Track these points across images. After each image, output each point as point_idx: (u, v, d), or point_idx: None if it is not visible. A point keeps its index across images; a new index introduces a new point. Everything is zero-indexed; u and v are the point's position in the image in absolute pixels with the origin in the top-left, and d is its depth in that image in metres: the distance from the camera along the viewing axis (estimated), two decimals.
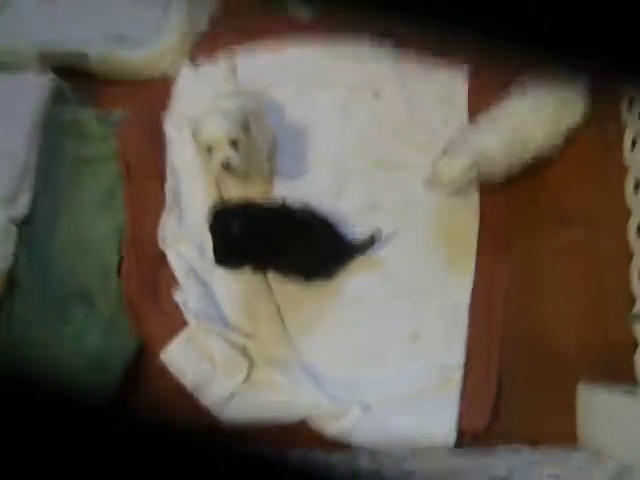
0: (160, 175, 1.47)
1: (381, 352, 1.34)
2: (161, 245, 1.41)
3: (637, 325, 1.37)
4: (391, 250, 1.38)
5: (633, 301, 1.40)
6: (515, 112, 1.28)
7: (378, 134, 1.48)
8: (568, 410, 1.36)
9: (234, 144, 1.27)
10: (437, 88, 1.51)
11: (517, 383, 1.37)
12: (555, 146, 1.38)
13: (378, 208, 1.41)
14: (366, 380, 1.31)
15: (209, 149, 1.27)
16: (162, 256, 1.41)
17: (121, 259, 1.42)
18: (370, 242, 1.35)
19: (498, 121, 1.28)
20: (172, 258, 1.41)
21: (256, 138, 1.32)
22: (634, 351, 1.38)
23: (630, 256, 1.42)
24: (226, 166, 1.27)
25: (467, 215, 1.42)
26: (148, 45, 1.56)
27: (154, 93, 1.57)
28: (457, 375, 1.33)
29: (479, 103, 1.45)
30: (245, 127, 1.29)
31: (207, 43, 1.60)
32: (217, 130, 1.26)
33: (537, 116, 1.28)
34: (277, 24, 1.59)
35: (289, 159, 1.46)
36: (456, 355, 1.34)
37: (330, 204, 1.41)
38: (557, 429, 1.34)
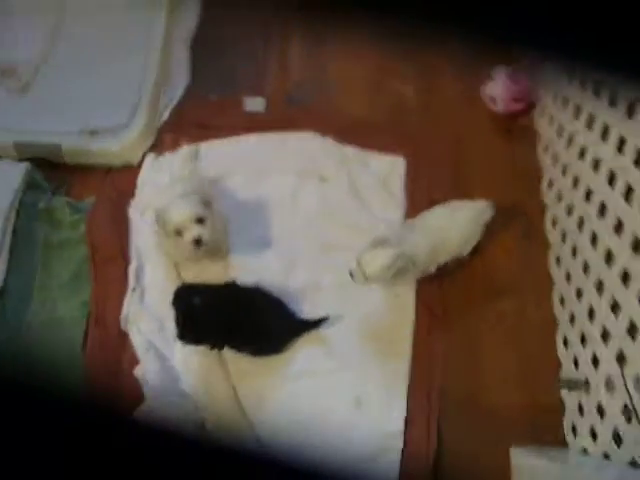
0: (124, 258, 1.60)
1: (326, 420, 1.44)
2: (123, 325, 1.52)
3: (563, 390, 1.49)
4: (334, 327, 1.50)
5: (559, 366, 1.52)
6: (438, 220, 1.44)
7: (324, 217, 1.63)
8: (504, 473, 1.46)
9: (201, 221, 1.41)
10: (377, 174, 1.67)
11: (455, 447, 1.47)
12: (470, 246, 1.54)
13: (320, 287, 1.54)
14: (311, 447, 1.40)
15: (178, 232, 1.41)
16: (125, 335, 1.52)
17: (86, 336, 1.54)
18: (319, 322, 1.48)
19: (424, 225, 1.44)
20: (133, 334, 1.52)
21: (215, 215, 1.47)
22: (562, 414, 1.49)
23: (555, 324, 1.56)
24: (198, 242, 1.41)
25: (404, 291, 1.55)
26: (117, 138, 1.71)
27: (120, 182, 1.71)
28: (398, 442, 1.43)
29: (414, 190, 1.63)
30: (207, 204, 1.43)
31: (169, 136, 1.76)
32: (184, 212, 1.40)
33: (455, 224, 1.45)
34: (234, 118, 1.76)
35: (242, 242, 1.60)
36: (397, 422, 1.45)
37: (280, 283, 1.54)
38: None
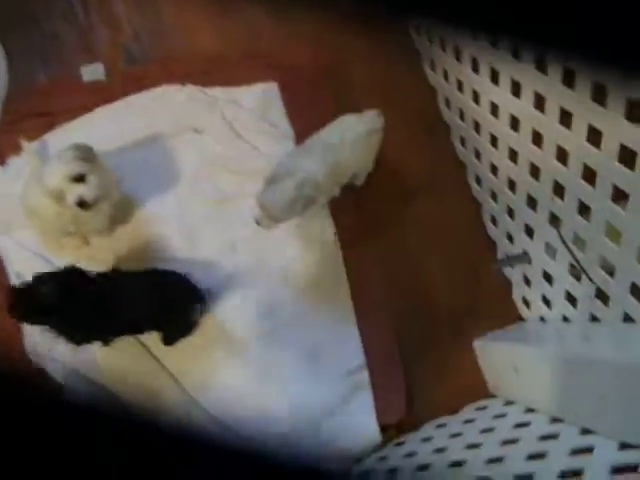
0: (5, 290, 1.37)
1: (284, 379, 1.34)
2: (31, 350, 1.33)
3: (505, 268, 1.46)
4: (261, 285, 1.38)
5: (494, 245, 1.49)
6: (329, 139, 1.30)
7: (210, 171, 1.46)
8: (473, 367, 1.44)
9: (81, 179, 1.21)
10: (253, 109, 1.50)
11: (419, 356, 1.42)
12: (369, 161, 1.43)
13: (235, 248, 1.40)
14: (275, 412, 1.30)
15: (58, 197, 1.21)
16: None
17: None
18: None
19: (315, 149, 1.29)
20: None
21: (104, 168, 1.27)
22: (510, 292, 1.47)
23: (478, 205, 1.50)
24: (82, 203, 1.21)
25: (322, 224, 1.43)
26: None
27: None
28: (364, 376, 1.36)
29: (297, 115, 1.49)
30: (88, 159, 1.22)
31: (6, 138, 1.49)
32: (58, 173, 1.20)
33: (347, 143, 1.31)
34: (75, 95, 1.52)
35: (132, 219, 1.42)
36: (356, 357, 1.37)
37: (186, 256, 1.38)
38: (469, 389, 1.41)
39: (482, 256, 1.49)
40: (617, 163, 0.92)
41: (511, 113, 1.21)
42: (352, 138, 1.33)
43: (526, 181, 1.23)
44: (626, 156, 0.90)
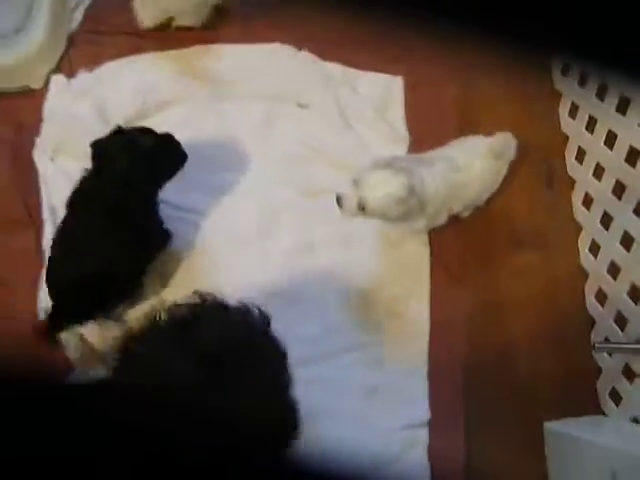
0: (34, 221, 1.13)
1: (334, 415, 1.13)
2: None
3: (601, 353, 1.29)
4: (332, 297, 1.17)
5: (591, 322, 1.32)
6: (457, 164, 1.12)
7: (307, 155, 1.26)
8: (536, 447, 1.26)
9: None
10: (371, 99, 1.31)
11: (485, 420, 1.24)
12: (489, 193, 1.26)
13: (312, 247, 1.19)
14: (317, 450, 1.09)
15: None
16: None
17: None
18: None
19: (437, 163, 1.10)
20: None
21: None
22: (597, 378, 1.30)
23: (584, 276, 1.34)
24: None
25: (416, 248, 1.24)
26: (8, 50, 1.21)
27: (18, 113, 1.23)
28: (424, 434, 1.16)
29: (417, 120, 1.30)
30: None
31: (84, 48, 1.27)
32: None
33: (474, 169, 1.14)
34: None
35: (204, 192, 1.19)
36: (420, 411, 1.17)
37: (260, 248, 1.17)
38: (527, 470, 1.24)
39: (574, 332, 1.32)
40: None
41: None
42: (479, 164, 1.16)
43: None
44: None
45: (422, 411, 1.17)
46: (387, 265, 1.22)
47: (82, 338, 1.07)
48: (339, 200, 1.01)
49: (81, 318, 1.06)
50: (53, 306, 1.03)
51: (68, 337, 1.06)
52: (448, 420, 1.22)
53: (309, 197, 1.23)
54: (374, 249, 1.22)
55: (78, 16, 1.31)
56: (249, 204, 1.20)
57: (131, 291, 1.09)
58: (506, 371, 1.29)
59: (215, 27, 1.35)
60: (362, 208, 1.01)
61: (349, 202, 1.00)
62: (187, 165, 1.16)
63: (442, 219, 1.22)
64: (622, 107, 1.21)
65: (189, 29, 1.35)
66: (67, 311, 1.04)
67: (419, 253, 1.24)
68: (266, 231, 1.19)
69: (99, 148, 0.99)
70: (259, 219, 1.19)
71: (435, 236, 1.28)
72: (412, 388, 1.18)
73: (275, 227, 1.20)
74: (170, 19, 1.32)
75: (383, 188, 0.99)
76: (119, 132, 1.01)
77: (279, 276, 1.15)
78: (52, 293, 1.03)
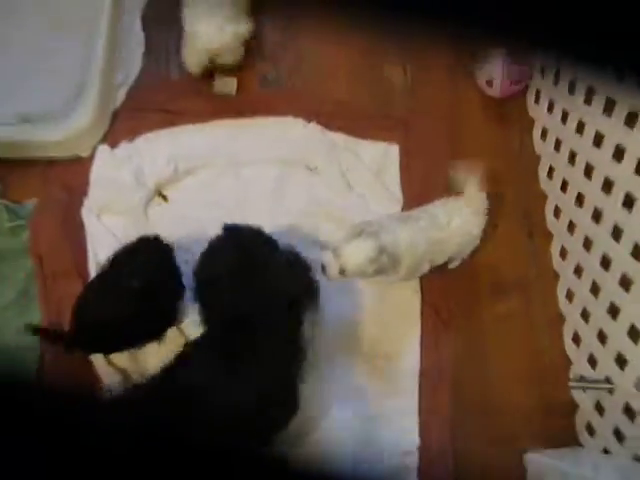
0: (80, 272, 1.34)
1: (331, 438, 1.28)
2: None
3: (577, 390, 1.43)
4: (328, 337, 1.34)
5: (569, 363, 1.46)
6: (439, 222, 1.30)
7: (315, 212, 1.45)
8: (519, 477, 1.39)
9: None
10: (370, 164, 1.50)
11: (469, 454, 1.38)
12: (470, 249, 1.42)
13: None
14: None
15: None
16: (89, 362, 1.28)
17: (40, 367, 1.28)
18: None
19: (423, 222, 1.28)
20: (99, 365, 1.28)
21: None
22: (574, 413, 1.43)
23: (562, 320, 1.49)
24: None
25: (408, 293, 1.41)
26: (60, 126, 1.43)
27: (68, 178, 1.44)
28: (413, 460, 1.31)
29: (409, 182, 1.49)
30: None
31: (125, 123, 1.50)
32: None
33: (451, 231, 1.31)
34: (201, 101, 1.53)
35: None
36: (410, 439, 1.32)
37: None
38: None
39: (554, 371, 1.46)
40: None
41: (636, 241, 1.21)
42: (459, 221, 1.33)
43: (633, 313, 1.22)
44: None
45: (413, 439, 1.32)
46: (380, 309, 1.39)
47: (108, 359, 1.26)
48: (323, 268, 1.20)
49: (101, 352, 1.25)
50: (71, 333, 1.16)
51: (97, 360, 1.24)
52: (437, 450, 1.36)
53: (314, 250, 1.42)
54: (367, 294, 1.40)
55: (122, 94, 1.53)
56: None
57: (154, 335, 1.26)
58: (490, 408, 1.42)
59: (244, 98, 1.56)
60: (342, 272, 1.20)
61: (331, 269, 1.19)
62: (205, 221, 1.37)
63: (424, 269, 1.38)
64: (587, 172, 1.38)
65: (224, 97, 1.55)
66: (86, 343, 1.19)
67: (410, 298, 1.41)
68: None
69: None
70: None
71: (426, 283, 1.44)
72: (403, 419, 1.33)
73: None
74: (213, 61, 1.50)
75: (357, 253, 1.17)
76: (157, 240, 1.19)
77: None
78: (78, 327, 1.16)
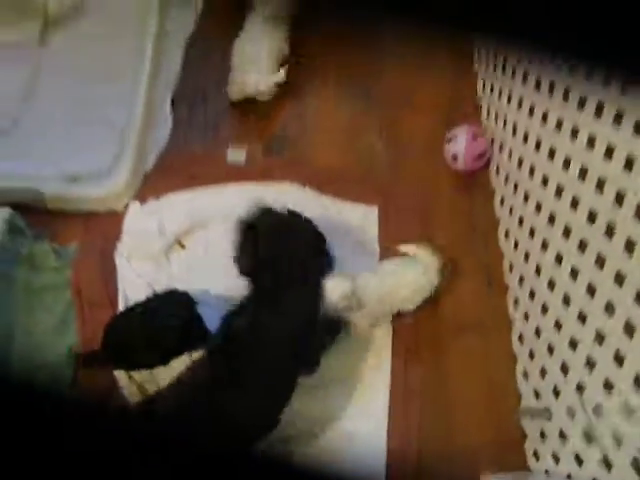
0: (112, 303, 1.63)
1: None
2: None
3: (525, 419, 1.66)
4: None
5: (520, 397, 1.70)
6: (390, 270, 1.62)
7: None
8: None
9: None
10: (351, 223, 1.81)
11: (433, 472, 1.60)
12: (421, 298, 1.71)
13: None
14: None
15: None
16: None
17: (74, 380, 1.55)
18: None
19: (379, 272, 1.60)
20: (122, 380, 1.55)
21: None
22: (524, 441, 1.66)
23: (515, 358, 1.74)
24: None
25: (381, 332, 1.69)
26: (101, 185, 1.76)
27: (105, 227, 1.75)
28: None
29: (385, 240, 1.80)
30: None
31: (154, 184, 1.83)
32: None
33: (404, 279, 1.62)
34: (216, 168, 1.86)
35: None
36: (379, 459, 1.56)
37: None
38: None
39: (507, 402, 1.70)
40: None
41: (565, 291, 1.48)
42: (410, 279, 1.63)
43: (564, 350, 1.47)
44: None
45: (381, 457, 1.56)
46: (355, 345, 1.66)
47: (130, 377, 1.53)
48: None
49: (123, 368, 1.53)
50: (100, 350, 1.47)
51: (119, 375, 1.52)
52: (402, 469, 1.59)
53: None
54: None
55: (151, 161, 1.87)
56: None
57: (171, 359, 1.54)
58: (453, 433, 1.66)
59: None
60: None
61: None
62: (215, 265, 1.67)
63: (386, 314, 1.67)
64: (531, 233, 1.67)
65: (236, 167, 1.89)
66: (111, 360, 1.50)
67: (383, 336, 1.68)
68: None
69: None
70: None
71: (397, 321, 1.71)
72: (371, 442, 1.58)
73: None
74: (252, 97, 1.92)
75: (337, 290, 1.48)
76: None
77: None
78: (106, 345, 1.48)
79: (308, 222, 1.49)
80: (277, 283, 1.38)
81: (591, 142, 1.38)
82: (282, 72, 1.91)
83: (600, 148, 1.34)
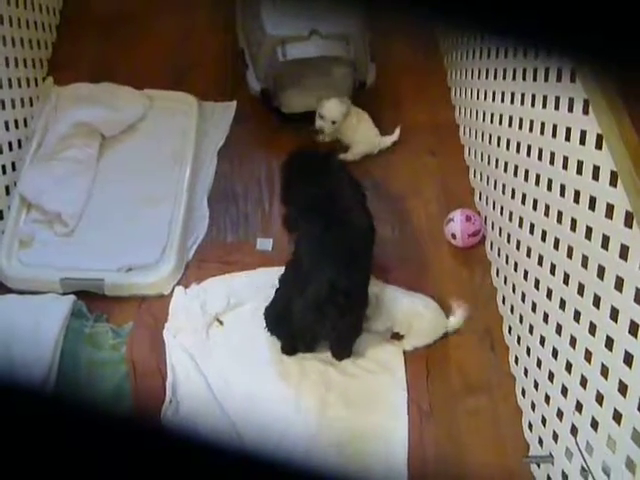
0: (161, 373, 1.89)
1: None
2: None
3: (533, 465, 1.82)
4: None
5: (528, 446, 1.87)
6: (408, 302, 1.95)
7: None
8: None
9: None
10: None
11: None
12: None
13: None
14: None
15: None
16: None
17: None
18: None
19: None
20: None
21: None
22: None
23: (520, 412, 1.92)
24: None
25: (396, 391, 1.90)
26: (151, 274, 2.07)
27: (155, 309, 2.04)
28: None
29: None
30: None
31: (194, 271, 2.13)
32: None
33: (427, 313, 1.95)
34: (247, 256, 2.17)
35: (258, 362, 1.94)
36: None
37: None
38: None
39: (516, 453, 1.87)
40: None
41: (554, 345, 1.70)
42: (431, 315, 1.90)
43: (559, 399, 1.67)
44: None
45: None
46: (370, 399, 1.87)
47: None
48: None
49: None
50: None
51: None
52: None
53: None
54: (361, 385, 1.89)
55: (192, 251, 2.19)
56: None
57: None
58: None
59: None
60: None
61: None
62: (251, 338, 1.93)
63: (402, 326, 1.95)
64: (523, 298, 1.91)
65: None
66: None
67: (398, 395, 1.89)
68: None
69: None
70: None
71: (411, 381, 1.93)
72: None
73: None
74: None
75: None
76: None
77: None
78: None
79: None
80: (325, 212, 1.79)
81: (560, 215, 1.67)
82: None
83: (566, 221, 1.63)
